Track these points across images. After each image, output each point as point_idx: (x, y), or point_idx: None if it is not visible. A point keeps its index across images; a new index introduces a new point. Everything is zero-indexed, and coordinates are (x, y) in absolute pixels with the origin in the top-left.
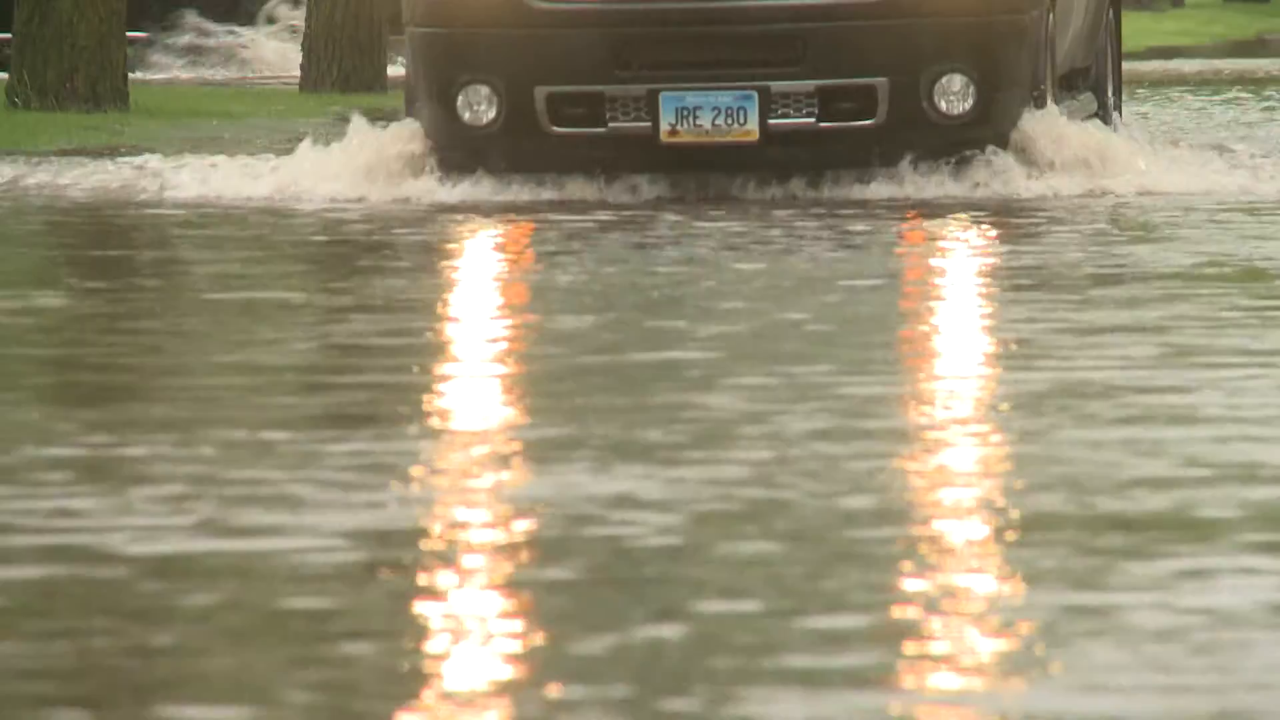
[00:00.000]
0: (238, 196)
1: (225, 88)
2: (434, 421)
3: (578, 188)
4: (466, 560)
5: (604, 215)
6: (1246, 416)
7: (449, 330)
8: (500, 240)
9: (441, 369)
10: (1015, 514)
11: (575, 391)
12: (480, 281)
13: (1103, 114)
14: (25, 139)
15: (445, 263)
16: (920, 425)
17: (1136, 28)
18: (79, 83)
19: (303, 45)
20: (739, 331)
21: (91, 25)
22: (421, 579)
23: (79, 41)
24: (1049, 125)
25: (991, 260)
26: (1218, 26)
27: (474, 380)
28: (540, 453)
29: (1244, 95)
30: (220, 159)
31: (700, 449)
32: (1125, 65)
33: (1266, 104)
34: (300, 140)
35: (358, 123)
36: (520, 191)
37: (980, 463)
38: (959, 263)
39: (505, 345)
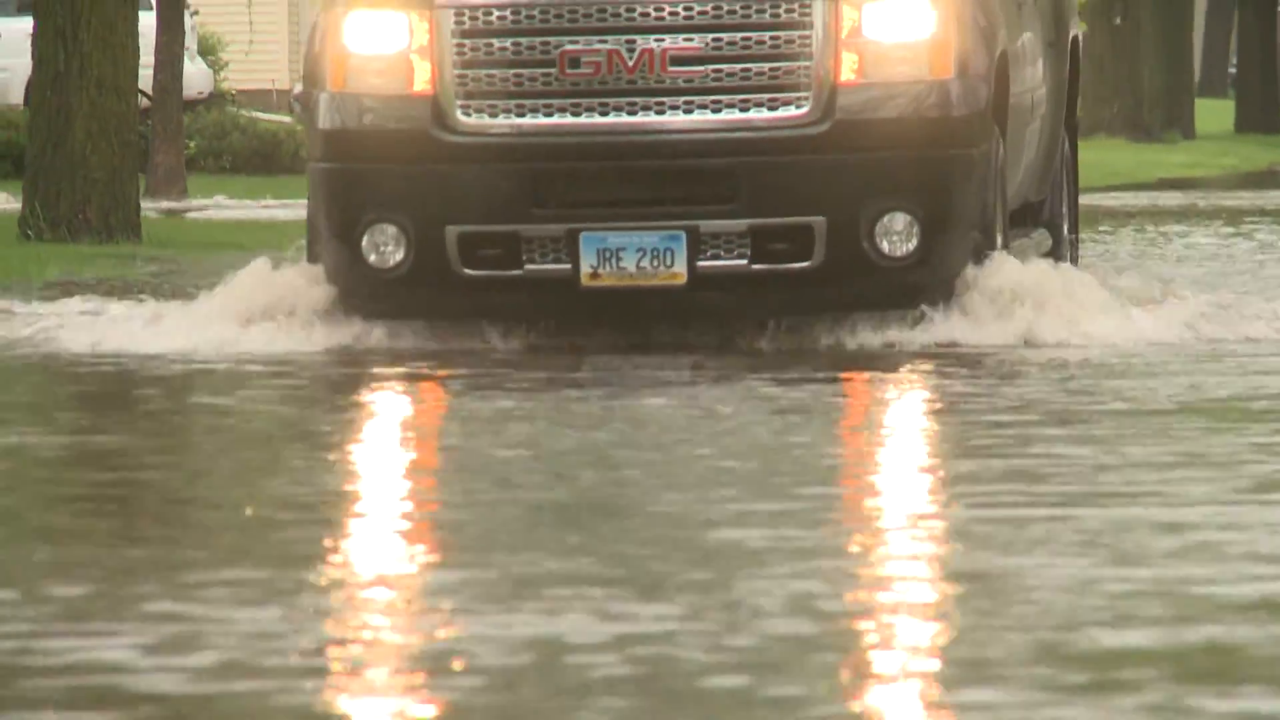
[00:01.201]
0: (107, 350)
1: (238, 220)
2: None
3: (492, 335)
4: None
5: (520, 365)
6: None
7: (356, 488)
8: (407, 396)
9: (353, 524)
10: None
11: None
12: (385, 441)
13: (1058, 251)
14: (35, 271)
15: (345, 423)
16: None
17: (1147, 159)
18: (91, 214)
19: None
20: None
21: (104, 157)
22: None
23: (92, 173)
24: (999, 267)
25: (939, 412)
26: (1229, 158)
27: (385, 533)
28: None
29: (1246, 229)
30: (109, 305)
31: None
32: (1132, 197)
33: (1263, 238)
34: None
35: (254, 265)
36: (431, 340)
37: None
38: (903, 415)
39: (415, 502)
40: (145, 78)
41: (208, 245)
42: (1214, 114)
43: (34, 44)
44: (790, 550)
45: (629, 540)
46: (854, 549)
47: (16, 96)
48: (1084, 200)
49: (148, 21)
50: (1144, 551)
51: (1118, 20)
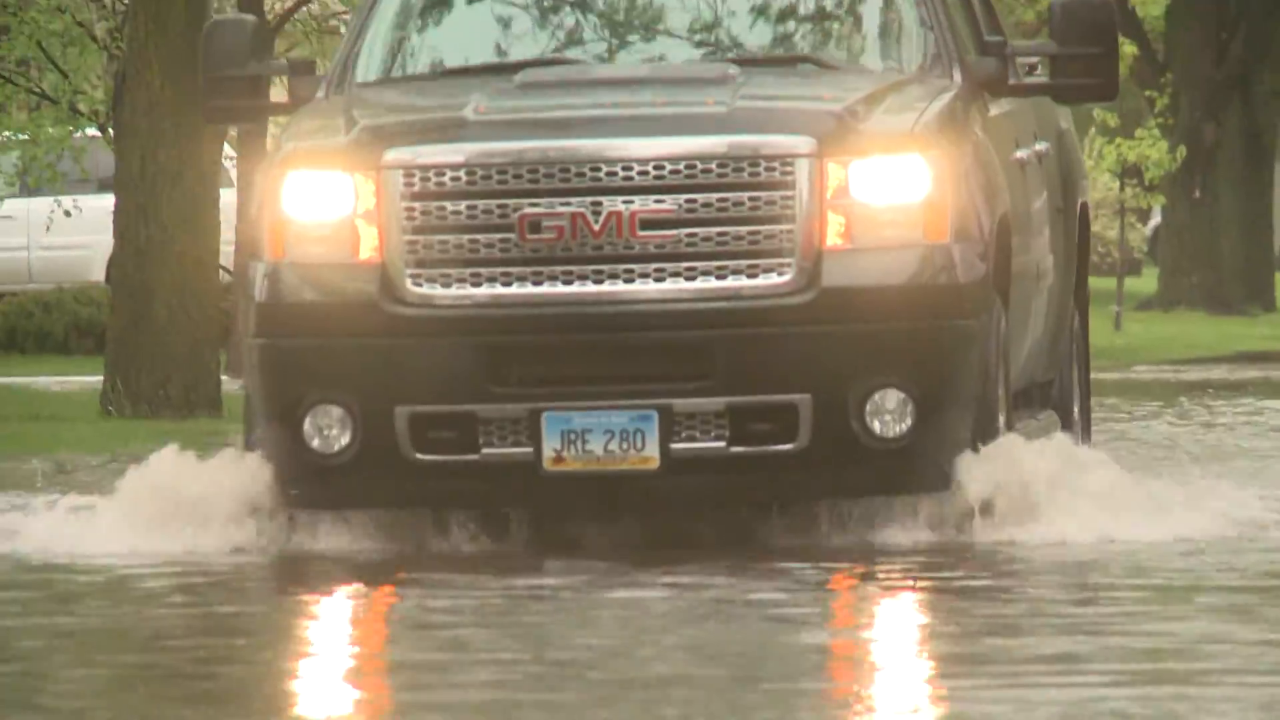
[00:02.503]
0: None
1: None
2: None
3: (446, 527)
4: None
5: (476, 562)
6: None
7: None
8: (352, 606)
9: None
10: None
11: None
12: (329, 667)
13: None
14: (119, 446)
15: (284, 642)
16: None
17: (1227, 333)
18: (173, 390)
19: None
20: None
21: (186, 333)
22: None
23: (173, 350)
24: (1002, 453)
25: (937, 630)
26: None
27: None
28: None
29: None
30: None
31: None
32: (1214, 370)
33: None
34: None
35: (187, 454)
36: (379, 535)
37: None
38: (898, 634)
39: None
40: (226, 254)
41: None
42: None
43: (115, 221)
44: None
45: None
46: None
47: (98, 273)
48: (1160, 374)
49: (229, 198)
50: None
51: (1196, 193)
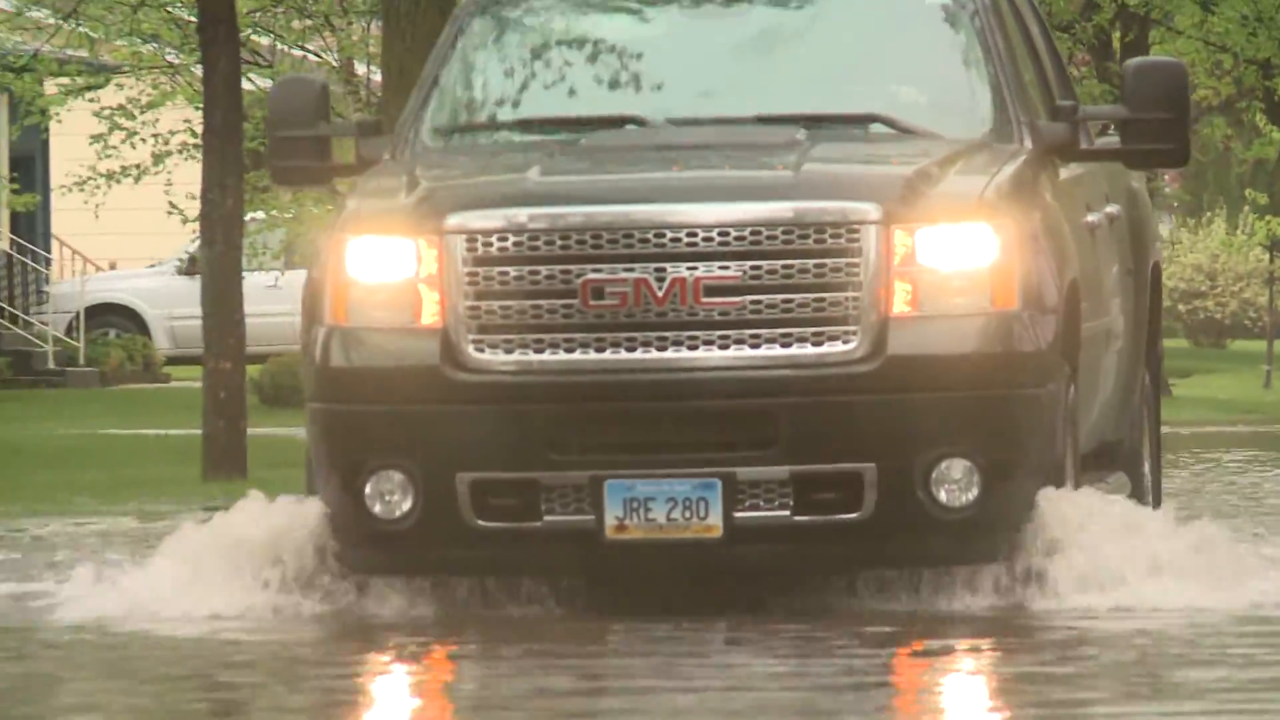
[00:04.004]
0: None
1: None
2: None
3: (507, 594)
4: None
5: (536, 633)
6: None
7: None
8: (413, 677)
9: None
10: None
11: None
12: None
13: (1138, 496)
14: None
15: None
16: None
17: None
18: None
19: None
20: None
21: None
22: None
23: None
24: (1070, 520)
25: (1007, 705)
26: None
27: None
28: None
29: None
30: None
31: None
32: None
33: None
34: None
35: (241, 510)
36: (440, 601)
37: None
38: (974, 699)
39: None
40: None
41: None
42: None
43: None
44: None
45: None
46: None
47: None
48: None
49: None
50: None
51: None
